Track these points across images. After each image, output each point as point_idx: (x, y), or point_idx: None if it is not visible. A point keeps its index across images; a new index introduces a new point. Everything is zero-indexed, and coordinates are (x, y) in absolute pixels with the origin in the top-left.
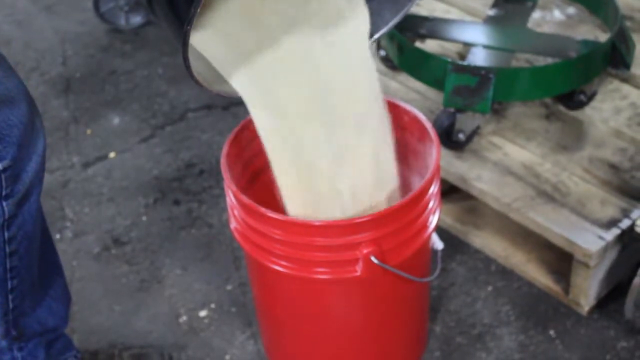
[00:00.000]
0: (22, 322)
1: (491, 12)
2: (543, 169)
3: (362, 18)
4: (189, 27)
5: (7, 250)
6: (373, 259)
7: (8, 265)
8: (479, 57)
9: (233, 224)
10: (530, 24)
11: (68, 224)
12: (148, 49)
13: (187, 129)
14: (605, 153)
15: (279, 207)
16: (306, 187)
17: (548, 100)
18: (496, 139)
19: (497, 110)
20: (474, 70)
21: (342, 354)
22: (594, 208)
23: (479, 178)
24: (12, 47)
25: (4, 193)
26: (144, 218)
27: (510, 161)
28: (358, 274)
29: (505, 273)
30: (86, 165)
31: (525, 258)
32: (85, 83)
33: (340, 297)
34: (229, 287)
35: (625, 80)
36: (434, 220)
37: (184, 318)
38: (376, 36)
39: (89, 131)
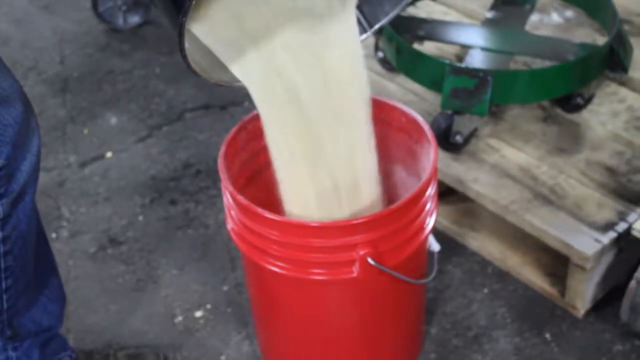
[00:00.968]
0: (16, 322)
1: (489, 15)
2: (540, 171)
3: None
4: (184, 19)
5: (2, 249)
6: (370, 260)
7: (2, 265)
8: (477, 60)
9: (229, 225)
10: (528, 27)
11: (64, 223)
12: (146, 48)
13: (185, 129)
14: (603, 156)
15: (276, 208)
16: (307, 180)
17: (545, 103)
18: (494, 142)
19: (495, 113)
20: (472, 72)
21: (338, 354)
22: (590, 211)
23: (476, 180)
24: (10, 46)
25: None
26: (141, 218)
27: (507, 163)
28: (354, 275)
29: (502, 275)
30: (83, 164)
31: (522, 260)
32: (82, 82)
33: (336, 298)
34: (225, 288)
35: (622, 83)
36: (430, 222)
37: (179, 318)
38: (376, 27)
39: (85, 131)
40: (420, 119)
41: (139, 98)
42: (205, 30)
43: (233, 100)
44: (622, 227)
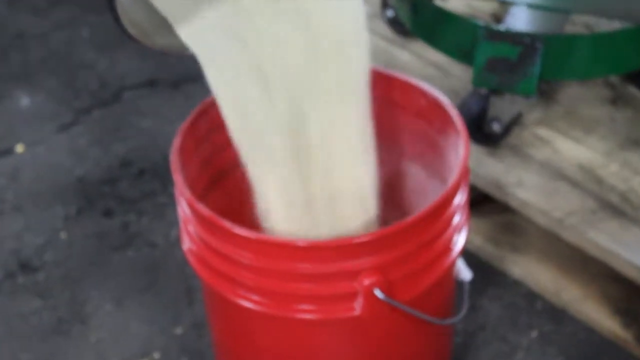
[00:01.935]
0: None
1: None
2: (608, 172)
3: None
4: None
5: None
6: (377, 292)
7: None
8: (521, 20)
9: (186, 244)
10: None
11: None
12: (68, 2)
13: (123, 114)
14: None
15: (249, 220)
16: (288, 185)
17: (614, 79)
18: (543, 131)
19: (546, 92)
20: (515, 37)
21: None
22: None
23: (520, 184)
24: None
25: None
26: (63, 235)
27: (562, 161)
28: (357, 313)
29: (555, 313)
30: None
31: (582, 293)
32: None
33: (332, 344)
34: (178, 330)
35: None
36: (459, 242)
37: None
38: None
39: None
40: (444, 100)
41: (59, 71)
42: None
43: (188, 75)
44: None
